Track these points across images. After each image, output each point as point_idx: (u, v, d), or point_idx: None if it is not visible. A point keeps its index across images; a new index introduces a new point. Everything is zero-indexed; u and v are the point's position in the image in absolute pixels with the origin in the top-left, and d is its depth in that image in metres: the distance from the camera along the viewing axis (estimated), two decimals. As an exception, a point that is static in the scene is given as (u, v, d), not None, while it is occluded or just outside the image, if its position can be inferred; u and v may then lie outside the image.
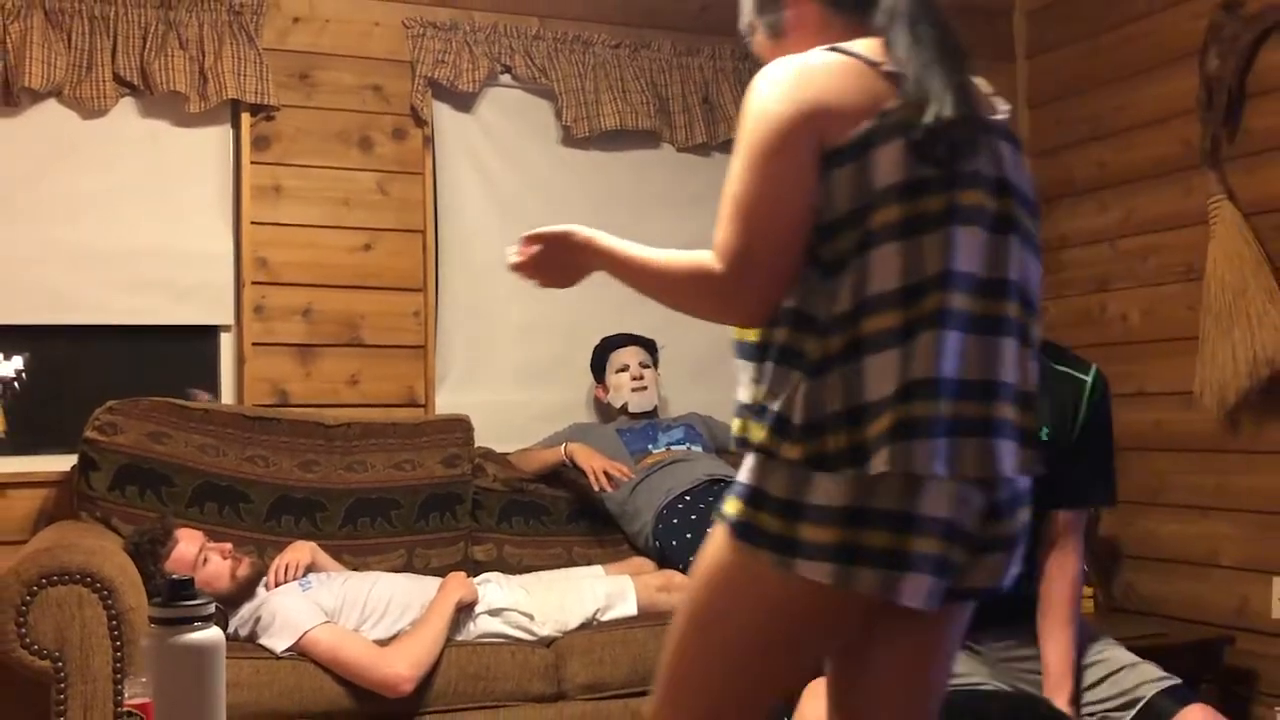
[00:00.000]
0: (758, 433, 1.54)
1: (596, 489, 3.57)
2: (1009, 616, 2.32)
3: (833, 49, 1.58)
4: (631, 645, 3.03)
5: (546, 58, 3.95)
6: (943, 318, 1.49)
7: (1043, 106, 4.55)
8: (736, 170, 1.54)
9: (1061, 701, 2.20)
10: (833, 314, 1.50)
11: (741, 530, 1.54)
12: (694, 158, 4.15)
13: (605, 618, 3.15)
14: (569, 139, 4.01)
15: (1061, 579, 2.35)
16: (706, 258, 1.55)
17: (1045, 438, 2.23)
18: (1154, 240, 4.10)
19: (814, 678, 1.82)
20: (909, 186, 1.50)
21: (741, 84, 4.12)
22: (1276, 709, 3.54)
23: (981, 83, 1.67)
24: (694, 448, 3.70)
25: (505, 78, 3.97)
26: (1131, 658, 2.32)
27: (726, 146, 4.15)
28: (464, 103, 3.93)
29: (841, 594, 1.50)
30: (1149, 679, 2.22)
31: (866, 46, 1.58)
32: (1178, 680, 2.22)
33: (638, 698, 2.89)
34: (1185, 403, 3.86)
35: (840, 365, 1.49)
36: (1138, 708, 2.18)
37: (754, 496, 1.54)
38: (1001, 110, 1.65)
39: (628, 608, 3.18)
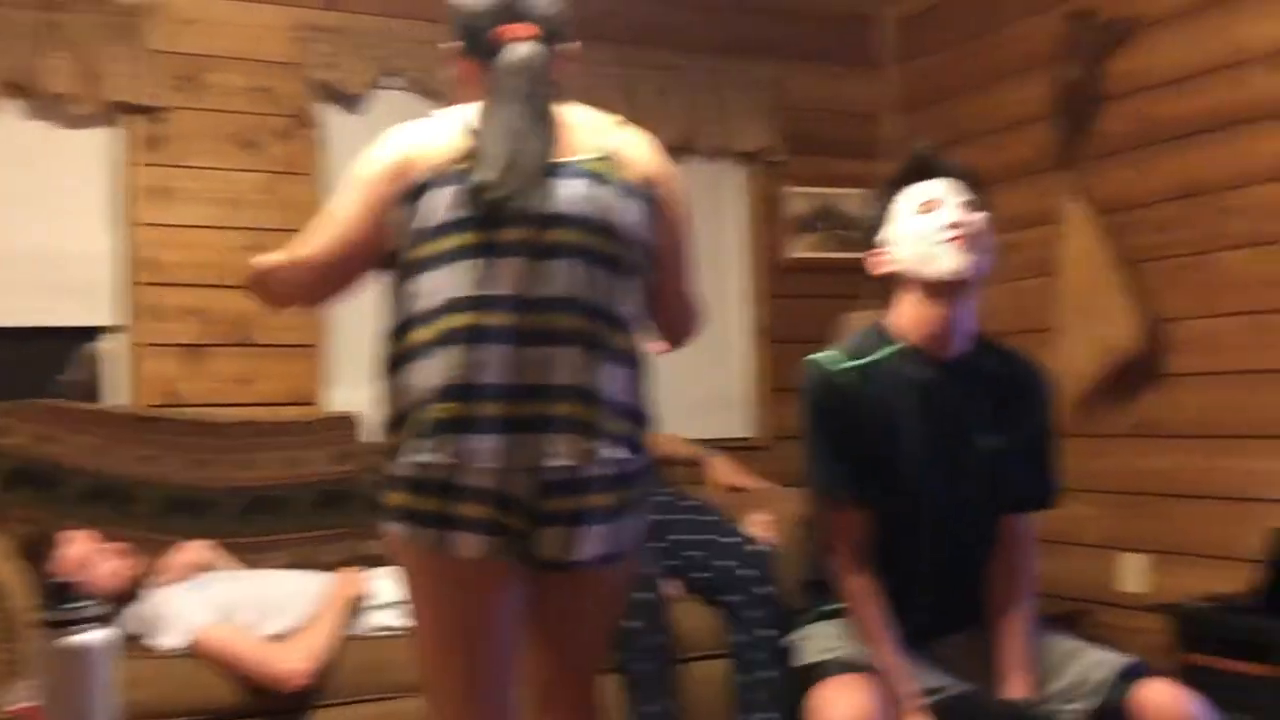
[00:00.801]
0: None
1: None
2: (966, 621, 2.22)
3: (447, 110, 1.90)
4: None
5: (435, 62, 3.92)
6: (480, 334, 1.76)
7: (912, 111, 4.65)
8: (337, 192, 1.91)
9: (1016, 695, 2.10)
10: (392, 329, 1.85)
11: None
12: (580, 160, 4.15)
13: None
14: (458, 141, 3.98)
15: (1013, 582, 2.21)
16: (288, 254, 1.94)
17: (998, 443, 2.16)
18: (1013, 238, 4.20)
19: (500, 661, 1.89)
20: (454, 226, 1.79)
21: (629, 92, 4.14)
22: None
23: (600, 121, 1.94)
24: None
25: (394, 80, 3.93)
26: (1084, 644, 2.18)
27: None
28: (352, 105, 3.89)
29: (452, 561, 1.78)
30: (1106, 661, 2.09)
31: (476, 106, 1.87)
32: (1134, 659, 2.09)
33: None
34: (1044, 390, 3.98)
35: (395, 373, 1.83)
36: (1102, 692, 2.04)
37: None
38: (593, 150, 1.88)
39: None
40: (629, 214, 1.88)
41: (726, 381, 4.41)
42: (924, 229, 2.12)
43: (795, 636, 2.27)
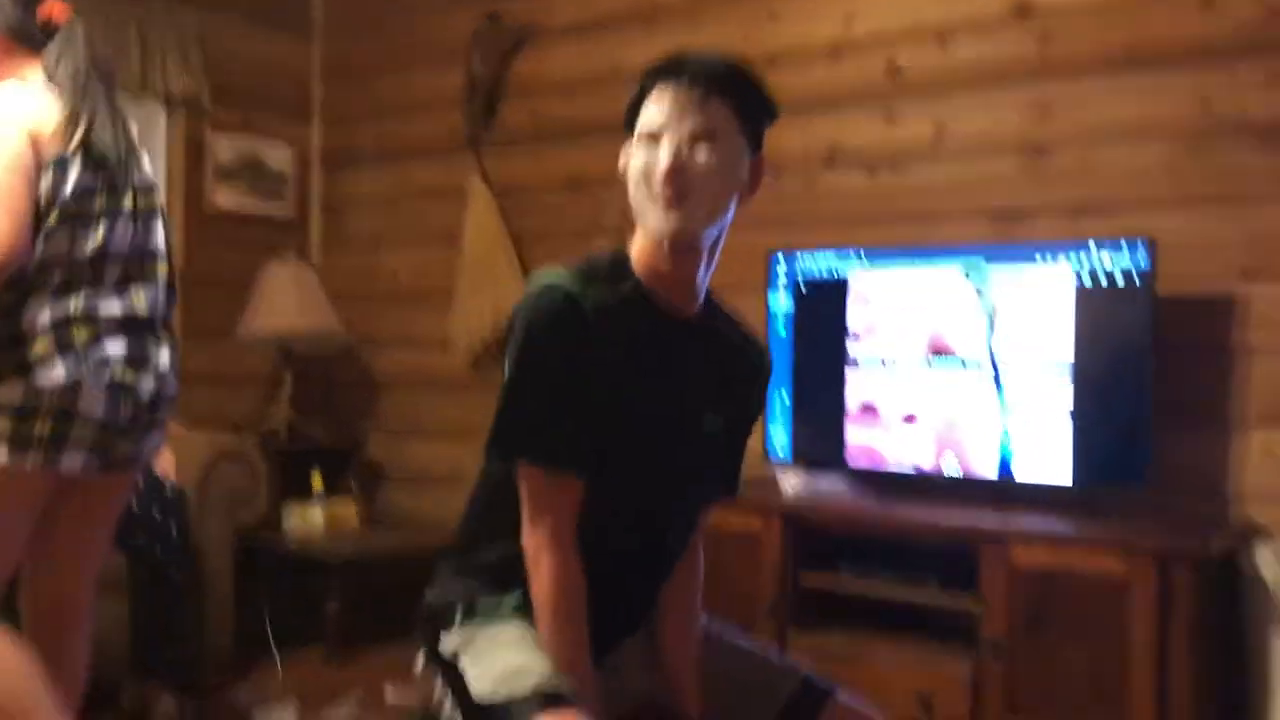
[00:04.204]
0: None
1: None
2: (640, 622, 1.72)
3: (25, 85, 1.98)
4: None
5: None
6: (102, 278, 1.98)
7: (335, 81, 4.62)
8: None
9: (689, 709, 1.67)
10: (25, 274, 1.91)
11: None
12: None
13: None
14: None
15: (691, 582, 1.73)
16: None
17: (719, 424, 1.67)
18: (422, 208, 4.35)
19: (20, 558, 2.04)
20: (83, 192, 1.96)
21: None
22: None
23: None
24: None
25: None
26: (745, 646, 1.78)
27: None
28: None
29: (22, 473, 1.90)
30: (777, 673, 1.72)
31: (46, 83, 2.00)
32: (805, 671, 1.73)
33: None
34: (442, 348, 4.15)
35: (9, 310, 1.91)
36: (780, 704, 1.68)
37: None
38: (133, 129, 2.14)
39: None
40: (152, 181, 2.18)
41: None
42: (641, 168, 1.54)
43: (454, 643, 1.58)
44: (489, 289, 3.97)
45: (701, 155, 1.50)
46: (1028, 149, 3.05)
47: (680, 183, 1.50)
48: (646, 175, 1.52)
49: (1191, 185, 2.82)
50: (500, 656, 1.53)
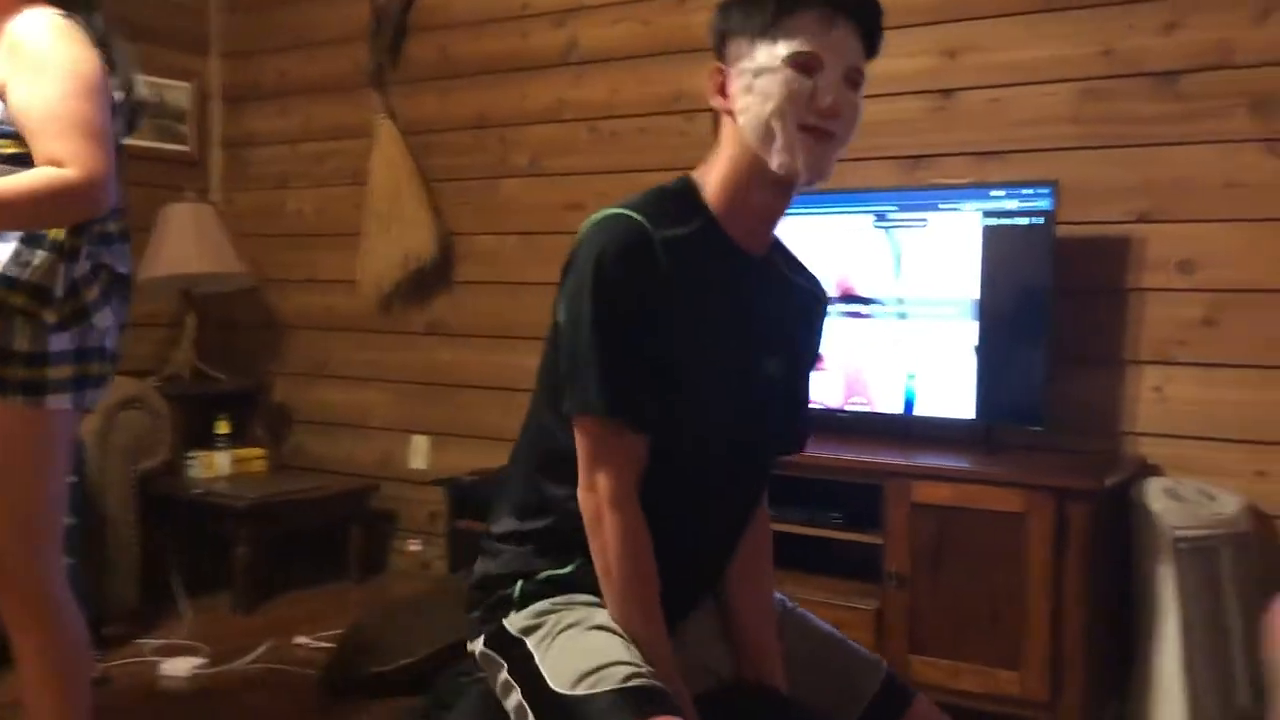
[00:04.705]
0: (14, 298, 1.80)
1: None
2: (702, 593, 1.59)
3: (71, 18, 1.82)
4: None
5: None
6: (111, 230, 1.94)
7: (237, 13, 4.48)
8: (63, 96, 1.72)
9: (776, 683, 1.54)
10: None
11: None
12: None
13: None
14: None
15: (761, 542, 1.64)
16: (60, 173, 1.69)
17: (780, 369, 1.55)
18: (328, 147, 4.26)
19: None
20: (118, 138, 1.90)
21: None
22: (409, 541, 3.97)
23: None
24: None
25: None
26: (817, 624, 1.66)
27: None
28: None
29: (72, 416, 1.90)
30: (859, 661, 1.60)
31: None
32: (883, 667, 1.60)
33: None
34: (349, 289, 4.10)
35: (71, 254, 1.85)
36: (863, 702, 1.55)
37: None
38: None
39: None
40: None
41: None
42: (783, 93, 1.39)
43: (520, 624, 1.43)
44: (397, 229, 3.92)
45: (852, 98, 1.43)
46: (935, 92, 3.09)
47: (833, 124, 1.41)
48: (794, 102, 1.39)
49: (1091, 129, 2.90)
50: (577, 641, 1.38)
